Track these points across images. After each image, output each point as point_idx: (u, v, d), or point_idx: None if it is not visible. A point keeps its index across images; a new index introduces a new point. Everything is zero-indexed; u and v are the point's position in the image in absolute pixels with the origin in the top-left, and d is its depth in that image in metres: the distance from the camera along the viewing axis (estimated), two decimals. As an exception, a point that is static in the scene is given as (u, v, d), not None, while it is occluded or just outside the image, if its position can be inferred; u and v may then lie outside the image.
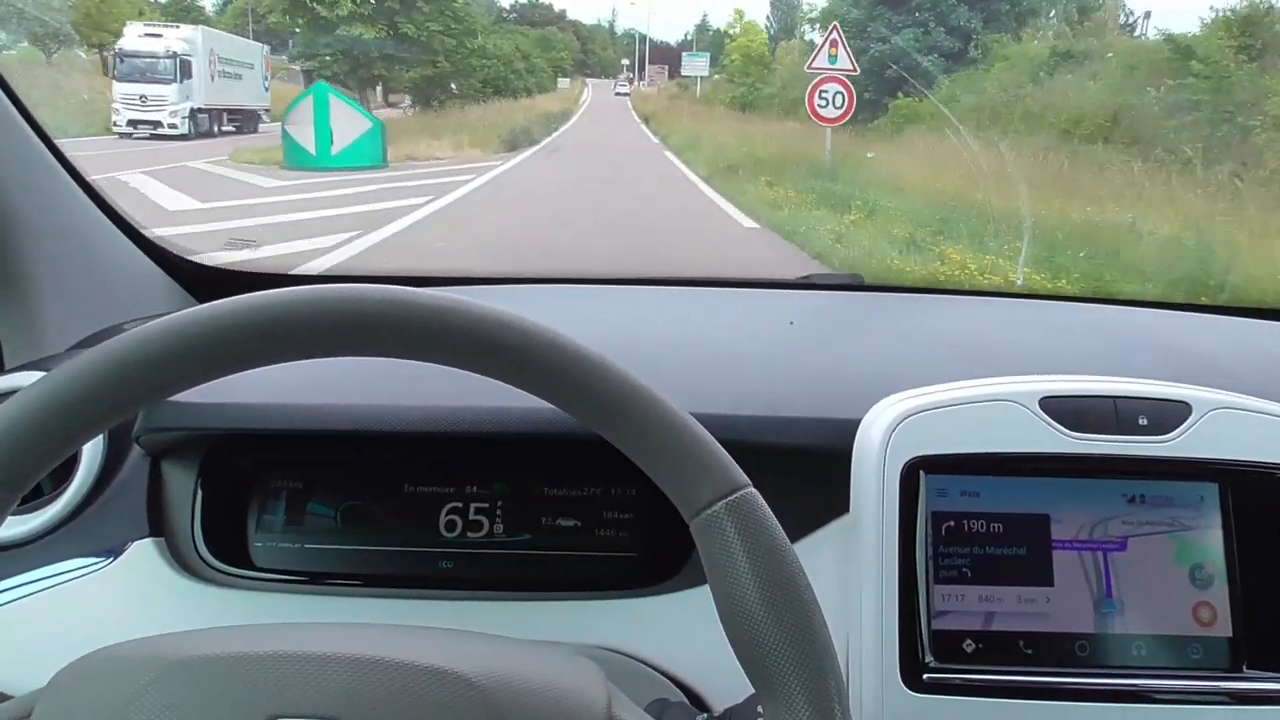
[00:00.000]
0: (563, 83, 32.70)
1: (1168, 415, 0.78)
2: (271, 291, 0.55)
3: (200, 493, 0.86)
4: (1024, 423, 0.77)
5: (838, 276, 1.51)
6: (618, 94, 38.82)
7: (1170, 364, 1.03)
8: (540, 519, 0.87)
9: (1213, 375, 0.93)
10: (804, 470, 0.81)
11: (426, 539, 0.86)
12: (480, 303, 0.56)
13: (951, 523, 0.77)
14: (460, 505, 0.87)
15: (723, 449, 0.55)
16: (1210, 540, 0.78)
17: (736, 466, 0.55)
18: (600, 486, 0.87)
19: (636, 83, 41.23)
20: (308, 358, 0.55)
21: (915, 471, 0.76)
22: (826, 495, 0.80)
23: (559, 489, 0.87)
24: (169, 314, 0.53)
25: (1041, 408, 0.78)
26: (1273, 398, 0.84)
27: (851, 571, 0.77)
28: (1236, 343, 1.17)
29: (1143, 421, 0.78)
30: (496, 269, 1.54)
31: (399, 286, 0.56)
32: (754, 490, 0.54)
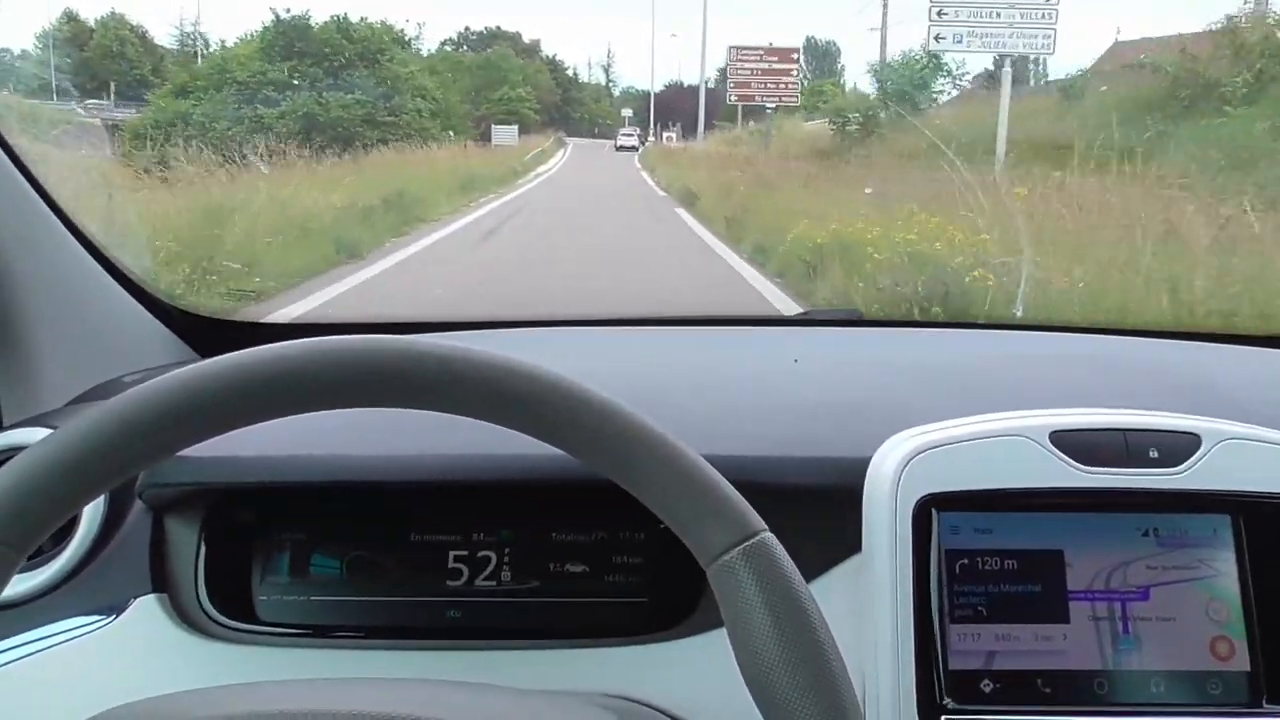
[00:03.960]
0: (503, 134, 25.10)
1: (1178, 447, 0.78)
2: (280, 345, 0.55)
3: (203, 547, 0.85)
4: (1035, 458, 0.77)
5: (836, 312, 1.51)
6: (621, 148, 33.76)
7: (1177, 395, 1.03)
8: (548, 565, 0.86)
9: (1220, 405, 0.93)
10: (816, 509, 0.81)
11: (433, 588, 0.86)
12: (488, 351, 0.56)
13: (965, 560, 0.76)
14: (467, 553, 0.86)
15: (737, 493, 0.55)
16: (1226, 574, 0.78)
17: (752, 510, 0.55)
18: (608, 530, 0.86)
19: (656, 136, 34.71)
20: (319, 410, 0.55)
21: (927, 509, 0.76)
22: (839, 534, 0.80)
23: (566, 534, 0.86)
24: (169, 366, 0.54)
25: (1052, 442, 0.77)
26: None
27: (866, 611, 0.76)
28: (1243, 371, 1.17)
29: (1153, 454, 0.78)
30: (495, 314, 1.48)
31: (408, 337, 0.56)
32: (770, 535, 0.54)
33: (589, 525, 0.86)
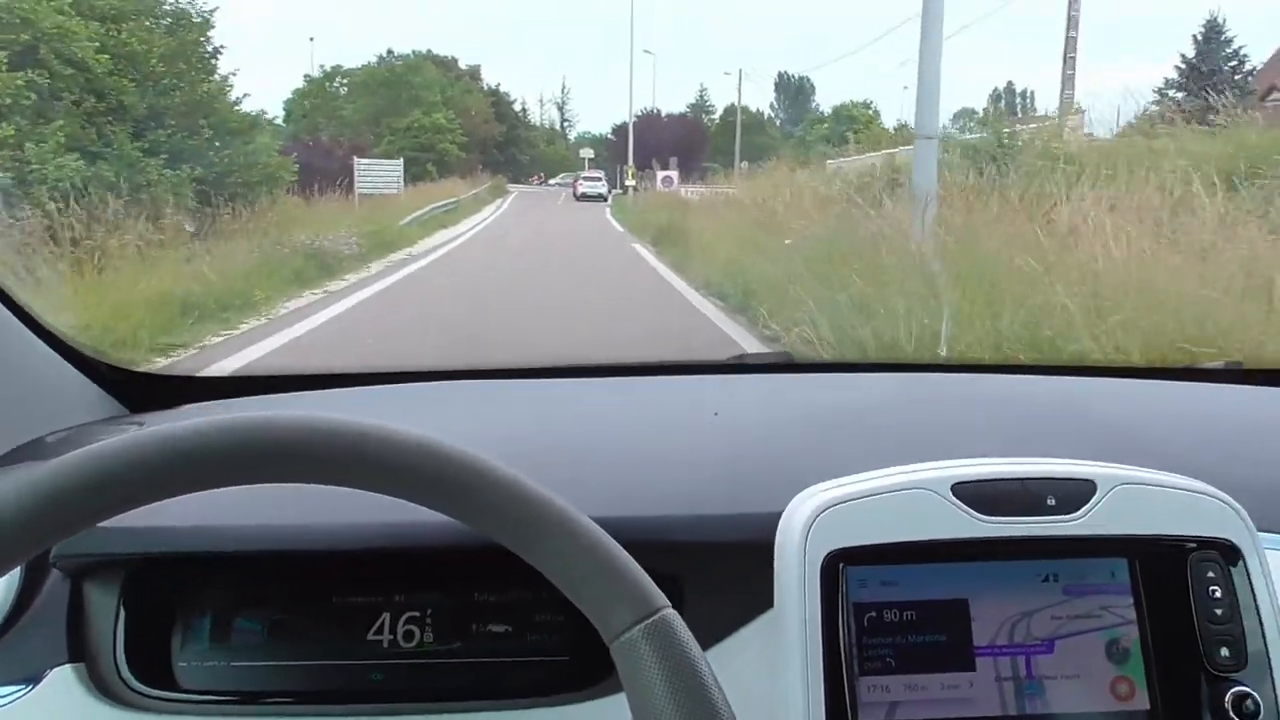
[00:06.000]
0: (377, 176, 17.13)
1: (1074, 494, 0.81)
2: (181, 425, 0.56)
3: (122, 613, 0.84)
4: (937, 510, 0.79)
5: (767, 356, 1.55)
6: (584, 197, 26.30)
7: (1082, 435, 1.08)
8: (471, 626, 0.87)
9: (1122, 443, 0.98)
10: (730, 565, 0.83)
11: (356, 651, 0.86)
12: (396, 427, 0.57)
13: (873, 613, 0.78)
14: (389, 615, 0.87)
15: (639, 568, 0.57)
16: (1125, 616, 0.81)
17: (654, 587, 0.56)
18: (530, 590, 0.87)
19: (640, 178, 25.95)
20: (226, 486, 0.56)
21: (835, 564, 0.77)
22: (753, 589, 0.81)
23: (488, 594, 0.87)
24: (98, 423, 0.55)
25: (954, 493, 0.80)
26: (1183, 461, 0.88)
27: (779, 667, 0.78)
28: (1148, 407, 1.22)
29: (1051, 501, 0.80)
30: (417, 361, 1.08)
31: (311, 414, 0.57)
32: (672, 612, 0.56)
33: (511, 585, 0.87)
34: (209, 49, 13.16)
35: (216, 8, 13.89)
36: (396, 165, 18.81)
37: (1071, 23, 17.87)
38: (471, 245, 16.71)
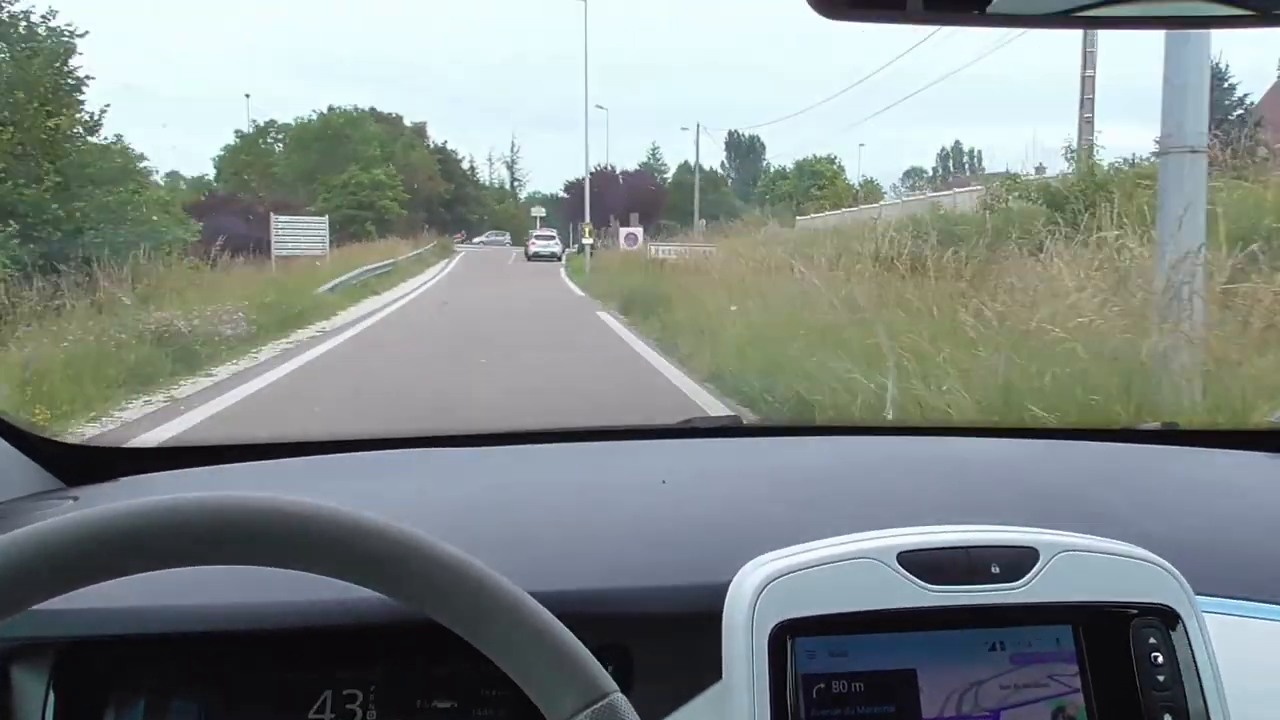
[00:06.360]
0: (297, 234, 14.17)
1: (1018, 561, 0.82)
2: (130, 504, 0.56)
3: (52, 696, 0.82)
4: (884, 579, 0.80)
5: (717, 420, 1.55)
6: (535, 256, 24.76)
7: (1025, 499, 1.11)
8: (415, 702, 0.85)
9: (1064, 506, 1.07)
10: (680, 636, 0.82)
11: None
12: (336, 508, 0.58)
13: (822, 685, 0.79)
14: (331, 694, 0.85)
15: (586, 652, 0.57)
16: (1071, 683, 0.82)
17: (601, 671, 0.57)
18: (476, 664, 0.78)
19: (600, 234, 23.54)
20: (166, 569, 0.56)
21: (784, 635, 0.78)
22: (702, 661, 0.81)
23: (434, 669, 0.85)
24: (29, 498, 0.56)
25: (900, 562, 0.80)
26: (1122, 524, 0.94)
27: None
28: (1088, 469, 1.26)
29: (995, 570, 0.81)
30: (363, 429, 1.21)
31: (258, 496, 0.57)
32: (619, 697, 0.56)
33: (457, 658, 0.81)
34: (70, 80, 10.52)
35: (86, 32, 11.29)
36: (320, 223, 16.50)
37: (1086, 84, 16.89)
38: (408, 313, 14.06)
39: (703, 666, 0.81)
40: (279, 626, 0.82)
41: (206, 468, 1.18)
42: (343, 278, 14.94)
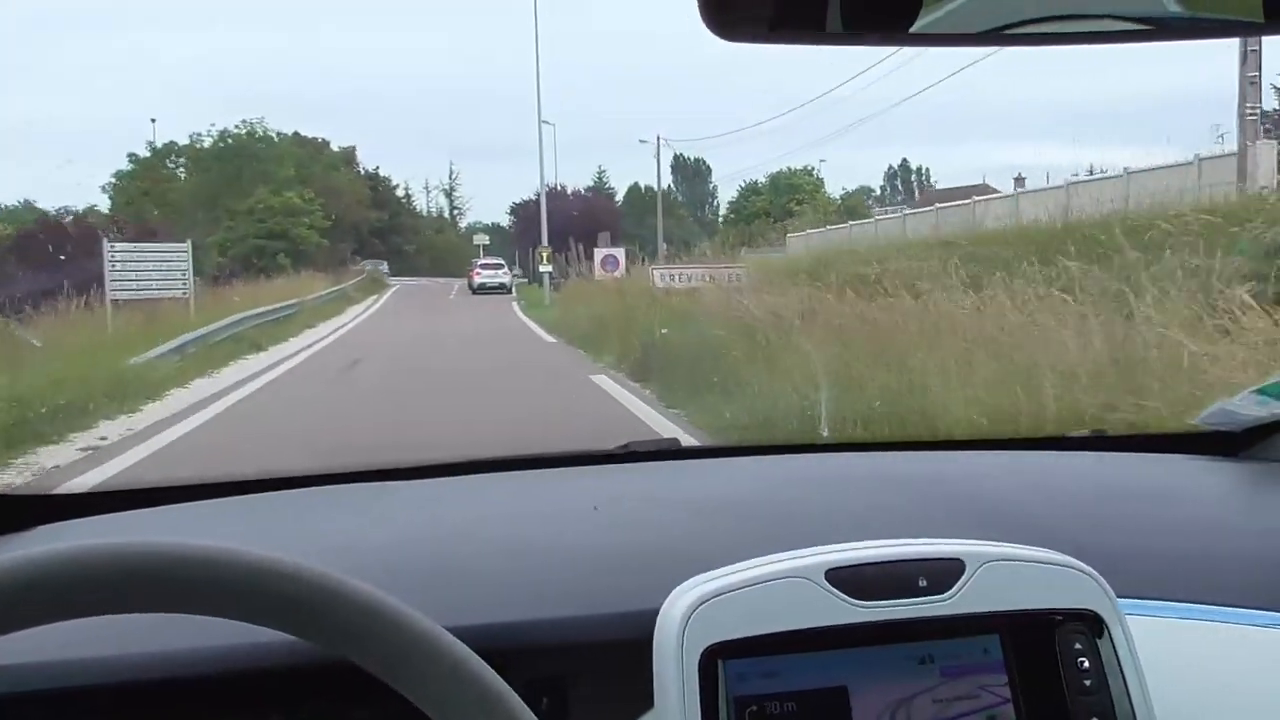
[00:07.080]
0: (143, 262, 10.39)
1: (944, 573, 0.82)
2: (32, 553, 0.54)
3: None
4: (813, 597, 0.80)
5: (655, 443, 1.53)
6: (482, 288, 22.51)
7: (955, 511, 1.13)
8: None
9: (993, 517, 1.08)
10: (612, 664, 0.82)
11: None
12: (244, 550, 0.56)
13: (755, 706, 0.78)
14: None
15: (508, 689, 0.56)
16: (1001, 694, 0.82)
17: (524, 709, 0.56)
18: (399, 704, 0.76)
19: (565, 260, 19.25)
20: (68, 619, 0.55)
21: (714, 658, 0.78)
22: (635, 688, 0.81)
23: (354, 712, 0.83)
24: None
25: (828, 580, 0.80)
26: (1050, 532, 0.95)
27: None
28: (1017, 478, 1.29)
29: (922, 583, 0.81)
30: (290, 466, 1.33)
31: (163, 541, 0.56)
32: None
33: (379, 700, 0.77)
34: None
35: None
36: (177, 251, 12.31)
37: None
38: (285, 390, 9.01)
39: (637, 695, 0.80)
40: (193, 674, 0.80)
41: (128, 512, 1.16)
42: (206, 329, 10.94)
